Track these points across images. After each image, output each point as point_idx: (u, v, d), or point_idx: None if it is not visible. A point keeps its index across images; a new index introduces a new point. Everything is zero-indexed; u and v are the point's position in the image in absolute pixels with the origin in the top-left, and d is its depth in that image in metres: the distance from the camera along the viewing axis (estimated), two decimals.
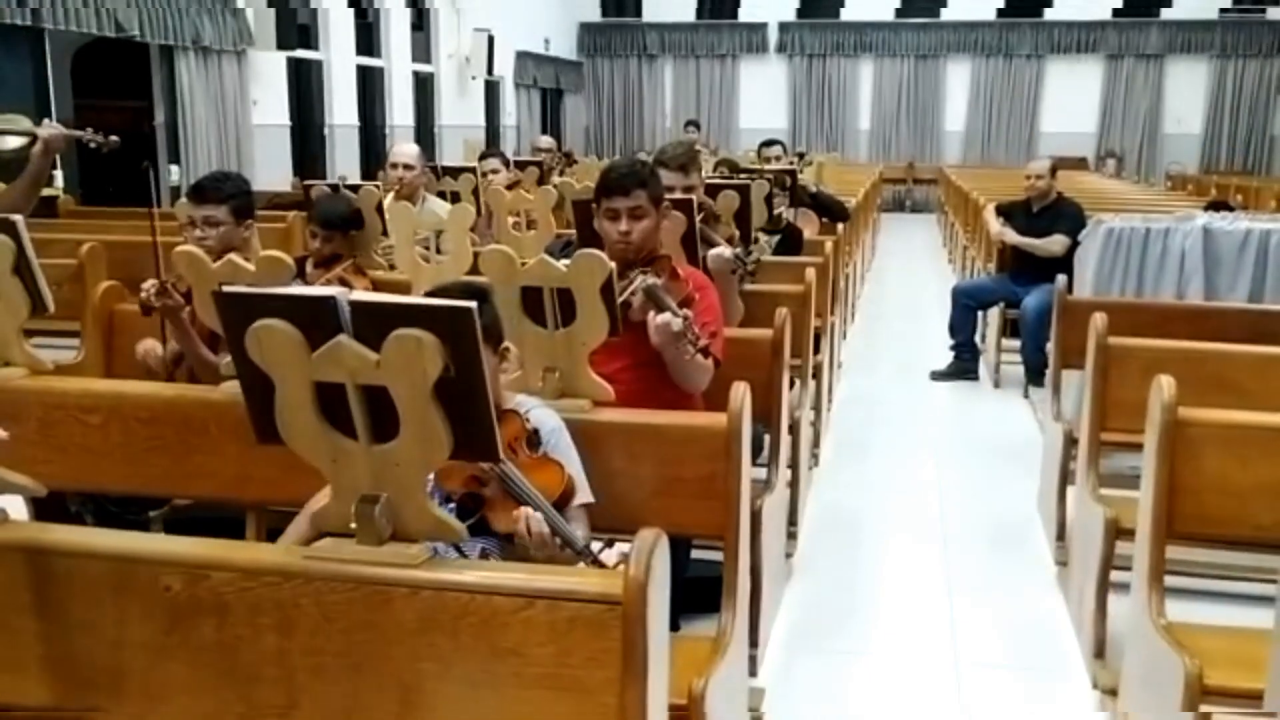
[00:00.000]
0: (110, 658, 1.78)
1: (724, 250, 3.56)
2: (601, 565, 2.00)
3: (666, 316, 2.73)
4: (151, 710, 1.78)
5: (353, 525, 1.71)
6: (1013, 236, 6.40)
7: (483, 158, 6.96)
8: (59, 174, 7.72)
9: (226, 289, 1.71)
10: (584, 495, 2.26)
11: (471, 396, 1.63)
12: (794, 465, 3.96)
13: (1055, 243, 6.04)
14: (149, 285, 3.04)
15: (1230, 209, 6.22)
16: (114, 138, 4.30)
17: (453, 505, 2.09)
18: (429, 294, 2.04)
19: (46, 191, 7.27)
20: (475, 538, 2.12)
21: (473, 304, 1.60)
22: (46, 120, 4.21)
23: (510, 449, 2.12)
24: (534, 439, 2.22)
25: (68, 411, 2.71)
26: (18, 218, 2.68)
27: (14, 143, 4.07)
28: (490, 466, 2.06)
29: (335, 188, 5.42)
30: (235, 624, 1.72)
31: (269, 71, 9.86)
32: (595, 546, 2.06)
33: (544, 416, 2.31)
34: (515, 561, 2.03)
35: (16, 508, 1.96)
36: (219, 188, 3.40)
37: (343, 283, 3.59)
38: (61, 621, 1.79)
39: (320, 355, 1.63)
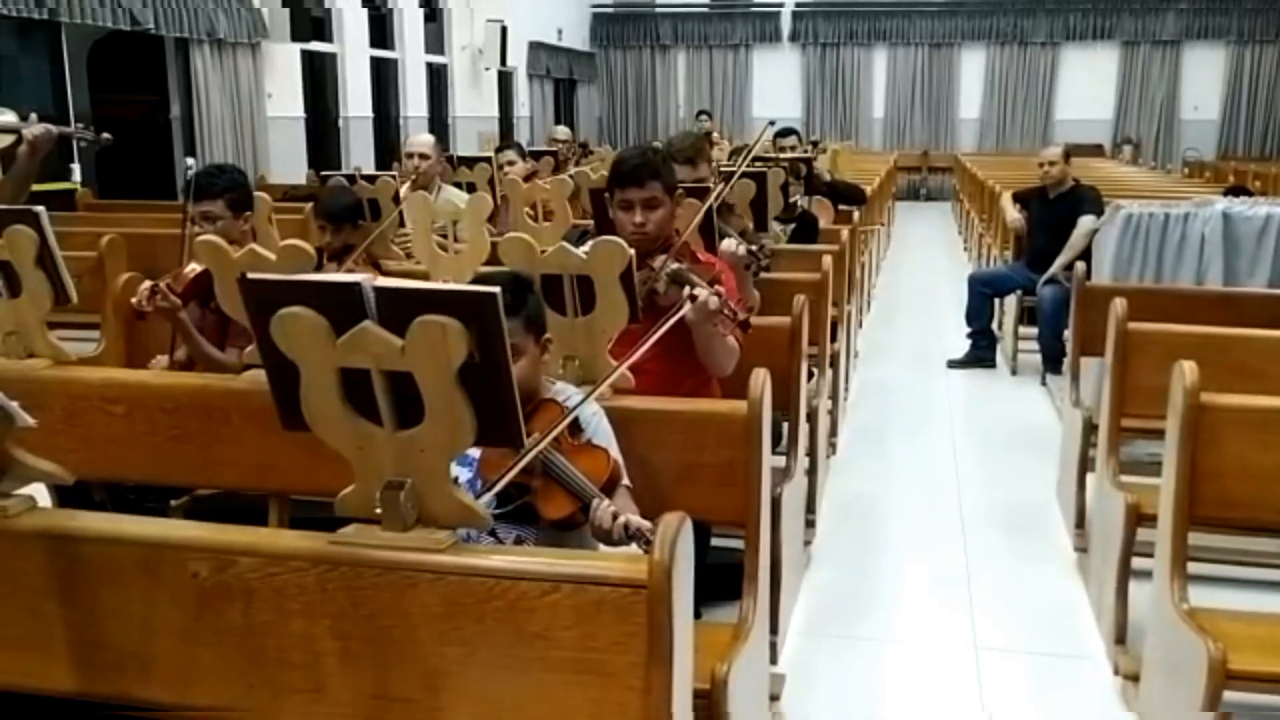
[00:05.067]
0: (138, 642, 1.80)
1: (737, 247, 3.55)
2: None
3: (704, 292, 2.70)
4: (179, 694, 1.79)
5: (378, 511, 1.72)
6: (1057, 265, 6.04)
7: (499, 150, 6.96)
8: (76, 167, 7.77)
9: (252, 276, 1.71)
10: (625, 479, 2.27)
11: (496, 382, 1.64)
12: (812, 454, 3.96)
13: (1086, 225, 5.88)
14: (142, 289, 3.04)
15: (1249, 194, 6.18)
16: (105, 135, 4.24)
17: (495, 494, 2.09)
18: (474, 281, 2.05)
19: (64, 186, 7.34)
20: (514, 526, 2.12)
21: (496, 289, 1.60)
22: (32, 116, 4.15)
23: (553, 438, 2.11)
24: (575, 426, 2.22)
25: (92, 402, 2.73)
26: (40, 209, 2.70)
27: None
28: (533, 452, 2.05)
29: (351, 179, 5.44)
30: (262, 609, 1.73)
31: (283, 64, 9.87)
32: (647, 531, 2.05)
33: (584, 404, 2.31)
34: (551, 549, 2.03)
35: (42, 500, 1.98)
36: (213, 183, 3.39)
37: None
38: (90, 607, 1.81)
39: (345, 341, 1.63)
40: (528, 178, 6.02)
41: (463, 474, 2.11)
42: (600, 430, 2.29)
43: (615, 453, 2.25)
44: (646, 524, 2.01)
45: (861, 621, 3.42)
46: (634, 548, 2.00)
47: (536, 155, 7.69)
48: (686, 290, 2.74)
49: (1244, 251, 4.68)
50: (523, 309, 2.15)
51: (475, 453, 2.10)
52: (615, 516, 2.02)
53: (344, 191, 4.45)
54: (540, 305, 2.29)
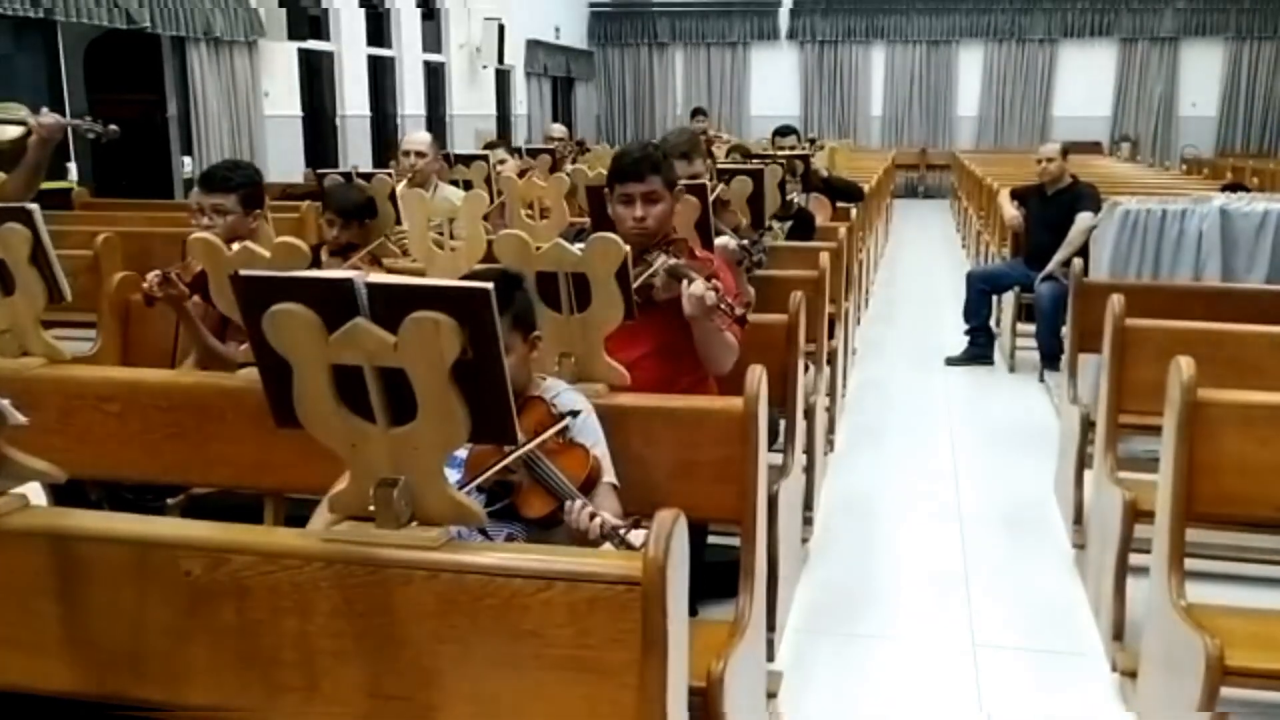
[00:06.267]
0: (131, 641, 1.79)
1: (729, 242, 3.55)
2: (630, 546, 1.97)
3: (700, 287, 2.69)
4: (173, 693, 1.79)
5: (371, 509, 1.71)
6: (1055, 262, 6.01)
7: (488, 148, 6.96)
8: (73, 166, 7.76)
9: (244, 273, 1.70)
10: (610, 476, 2.26)
11: (489, 378, 1.63)
12: (809, 451, 3.95)
13: (1084, 221, 5.84)
14: (152, 276, 3.04)
15: (1247, 191, 6.17)
16: (113, 126, 4.23)
17: (482, 493, 2.09)
18: (462, 279, 2.04)
19: (61, 184, 7.31)
20: (503, 524, 2.12)
21: (489, 285, 1.59)
22: (43, 109, 4.16)
23: (537, 435, 2.11)
24: None
25: (86, 400, 2.72)
26: (34, 206, 2.68)
27: (11, 133, 4.02)
28: (517, 453, 2.05)
29: (348, 177, 5.43)
30: (255, 607, 1.72)
31: (280, 62, 9.86)
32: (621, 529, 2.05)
33: (571, 400, 2.31)
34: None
35: (36, 499, 1.97)
36: (229, 176, 3.39)
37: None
38: (83, 606, 1.80)
39: (338, 338, 1.62)
40: (520, 175, 6.01)
41: (451, 475, 2.11)
42: (587, 428, 2.28)
43: (599, 450, 2.24)
44: (620, 522, 2.01)
45: (859, 619, 3.42)
46: (609, 546, 1.99)
47: (534, 154, 7.68)
48: (685, 283, 2.74)
49: (1241, 248, 4.68)
50: (510, 306, 2.13)
51: (462, 453, 2.10)
52: (592, 516, 2.02)
53: (355, 188, 4.44)
54: (529, 303, 2.28)
